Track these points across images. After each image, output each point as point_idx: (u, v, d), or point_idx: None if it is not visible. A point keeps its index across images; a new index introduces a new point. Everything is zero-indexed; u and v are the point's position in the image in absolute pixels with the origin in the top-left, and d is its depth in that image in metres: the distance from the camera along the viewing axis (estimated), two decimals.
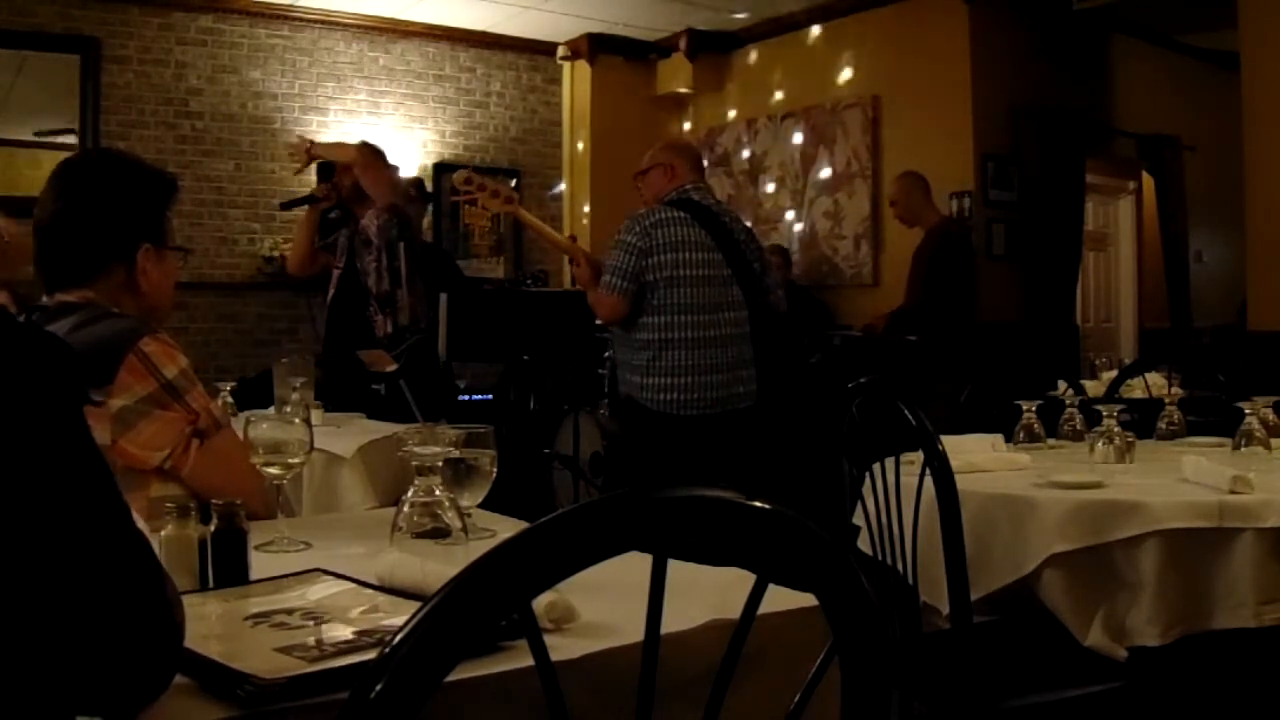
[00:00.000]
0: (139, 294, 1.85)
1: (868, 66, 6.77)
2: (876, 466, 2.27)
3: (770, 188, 7.39)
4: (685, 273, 3.54)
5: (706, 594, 1.14)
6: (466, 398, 4.78)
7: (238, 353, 6.54)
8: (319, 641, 1.09)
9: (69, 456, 0.82)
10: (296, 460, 1.65)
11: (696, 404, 3.55)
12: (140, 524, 1.24)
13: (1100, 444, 2.48)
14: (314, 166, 5.49)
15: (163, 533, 1.33)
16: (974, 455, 2.40)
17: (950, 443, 2.11)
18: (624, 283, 3.52)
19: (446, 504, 1.42)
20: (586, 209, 7.79)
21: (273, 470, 1.64)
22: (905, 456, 2.20)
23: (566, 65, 7.89)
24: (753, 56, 7.59)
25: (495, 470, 1.59)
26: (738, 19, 7.28)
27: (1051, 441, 2.81)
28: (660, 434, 3.56)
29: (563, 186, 8.00)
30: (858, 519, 2.40)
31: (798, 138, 7.21)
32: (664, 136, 7.95)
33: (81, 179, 1.84)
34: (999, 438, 2.57)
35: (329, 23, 7.00)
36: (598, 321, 4.00)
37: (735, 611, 0.83)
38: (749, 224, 3.96)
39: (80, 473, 0.82)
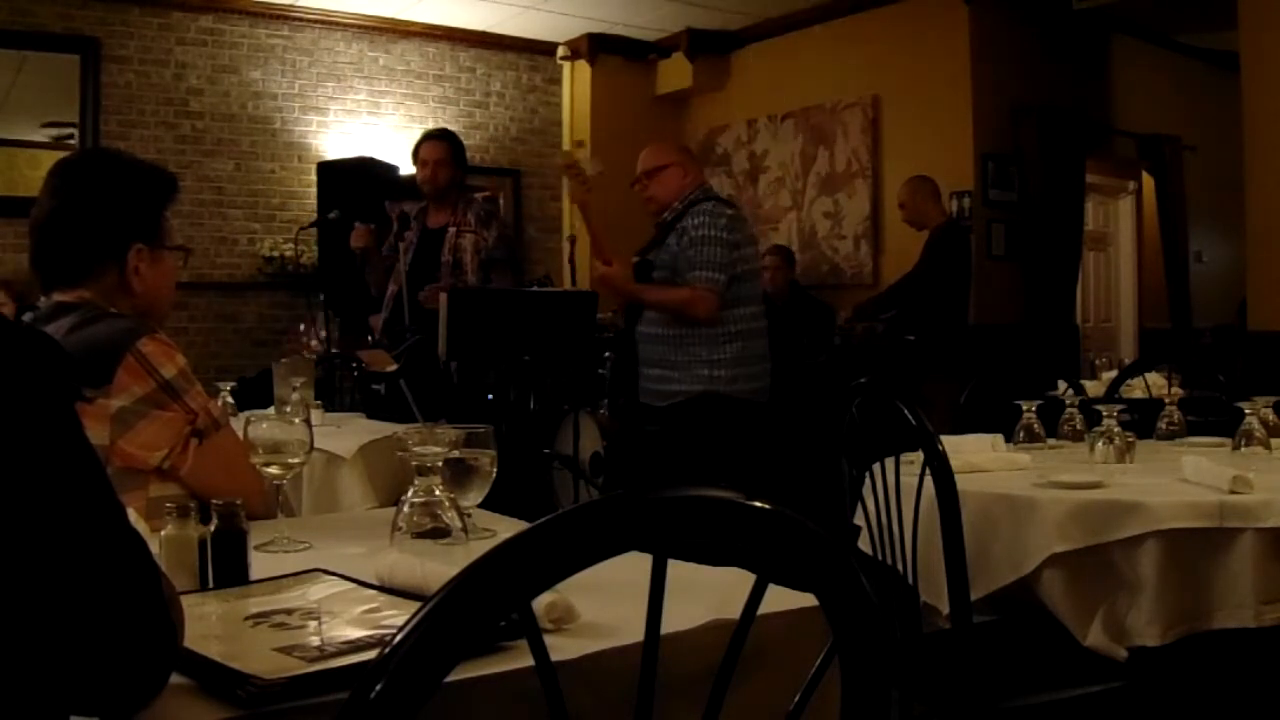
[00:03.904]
0: (133, 294, 1.84)
1: (868, 66, 6.78)
2: (876, 466, 2.27)
3: (770, 188, 7.39)
4: (755, 266, 3.75)
5: (706, 594, 1.14)
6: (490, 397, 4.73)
7: (238, 353, 6.54)
8: (319, 641, 1.09)
9: (61, 455, 0.82)
10: (296, 460, 1.65)
11: (767, 392, 3.67)
12: (139, 524, 1.25)
13: (1100, 444, 2.48)
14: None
15: (163, 533, 1.33)
16: (974, 455, 2.40)
17: (950, 443, 2.11)
18: (724, 277, 3.56)
19: (446, 504, 1.42)
20: None
21: (273, 470, 1.64)
22: (905, 456, 2.20)
23: (566, 65, 7.89)
24: (753, 56, 7.59)
25: (495, 470, 1.59)
26: (738, 19, 7.28)
27: (1051, 441, 2.81)
28: (746, 423, 3.57)
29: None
30: (858, 519, 2.40)
31: (798, 138, 7.21)
32: (664, 136, 7.96)
33: (76, 178, 1.83)
34: (999, 438, 2.57)
35: (329, 23, 7.00)
36: (614, 318, 3.91)
37: (735, 611, 0.83)
38: None
39: (73, 471, 0.82)
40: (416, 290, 4.44)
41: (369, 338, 4.83)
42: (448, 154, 4.56)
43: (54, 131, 6.24)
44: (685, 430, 3.58)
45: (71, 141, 6.22)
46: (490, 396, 4.60)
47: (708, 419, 3.57)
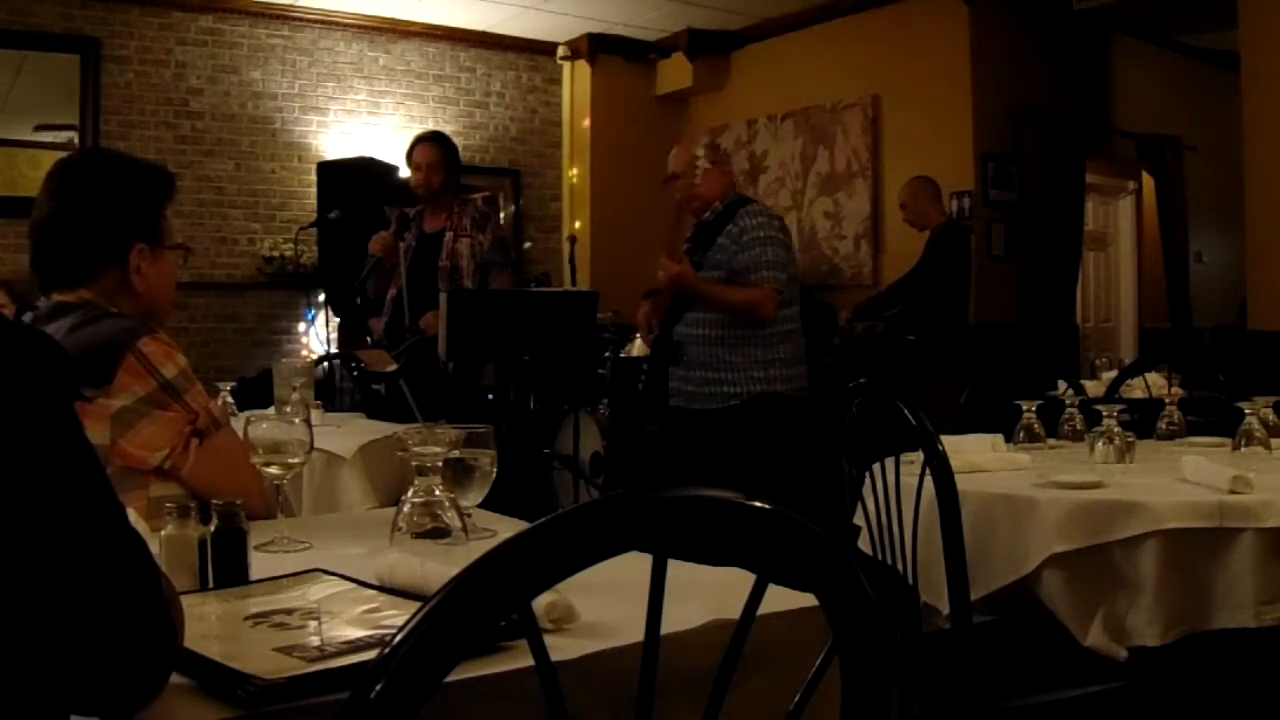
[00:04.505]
0: (135, 294, 1.84)
1: (868, 66, 6.78)
2: (876, 466, 2.26)
3: (770, 188, 7.39)
4: (797, 268, 3.83)
5: (706, 594, 1.14)
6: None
7: (238, 353, 6.54)
8: (319, 641, 1.09)
9: (61, 455, 0.82)
10: (296, 460, 1.65)
11: (806, 390, 3.71)
12: (139, 524, 1.25)
13: (1100, 444, 2.48)
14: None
15: (163, 533, 1.33)
16: (974, 455, 2.40)
17: (950, 443, 2.11)
18: (785, 277, 3.62)
19: (446, 504, 1.42)
20: (587, 209, 7.79)
21: (273, 470, 1.64)
22: (905, 456, 2.20)
23: (566, 65, 7.89)
24: (753, 56, 7.59)
25: (495, 470, 1.59)
26: (738, 19, 7.28)
27: (1051, 441, 2.81)
28: (801, 421, 3.58)
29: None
30: (858, 519, 2.40)
31: (798, 138, 7.21)
32: (665, 137, 7.96)
33: (73, 179, 1.83)
34: (999, 438, 2.57)
35: (329, 23, 7.00)
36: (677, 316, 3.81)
37: (735, 611, 0.83)
38: None
39: (73, 471, 0.82)
40: (416, 293, 4.45)
41: (368, 339, 4.83)
42: (440, 157, 4.54)
43: (54, 132, 6.24)
44: (748, 433, 3.52)
45: (72, 141, 6.22)
46: (489, 396, 4.61)
47: (769, 420, 3.54)
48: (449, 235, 4.50)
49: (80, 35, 6.26)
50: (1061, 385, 3.43)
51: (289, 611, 1.19)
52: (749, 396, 3.57)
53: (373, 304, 4.73)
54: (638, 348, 5.61)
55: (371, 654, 0.96)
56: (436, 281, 4.42)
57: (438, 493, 1.43)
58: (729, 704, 0.83)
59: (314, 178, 6.68)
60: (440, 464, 1.45)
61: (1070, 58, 6.68)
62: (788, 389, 3.59)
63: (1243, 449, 2.51)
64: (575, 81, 7.90)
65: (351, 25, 7.09)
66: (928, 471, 2.01)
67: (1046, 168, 6.42)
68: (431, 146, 4.57)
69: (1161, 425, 2.93)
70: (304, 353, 6.58)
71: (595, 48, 7.67)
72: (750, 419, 3.55)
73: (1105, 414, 2.53)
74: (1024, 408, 2.80)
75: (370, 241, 4.60)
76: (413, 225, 4.63)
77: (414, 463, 1.44)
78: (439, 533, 1.40)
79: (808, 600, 0.86)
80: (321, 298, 6.56)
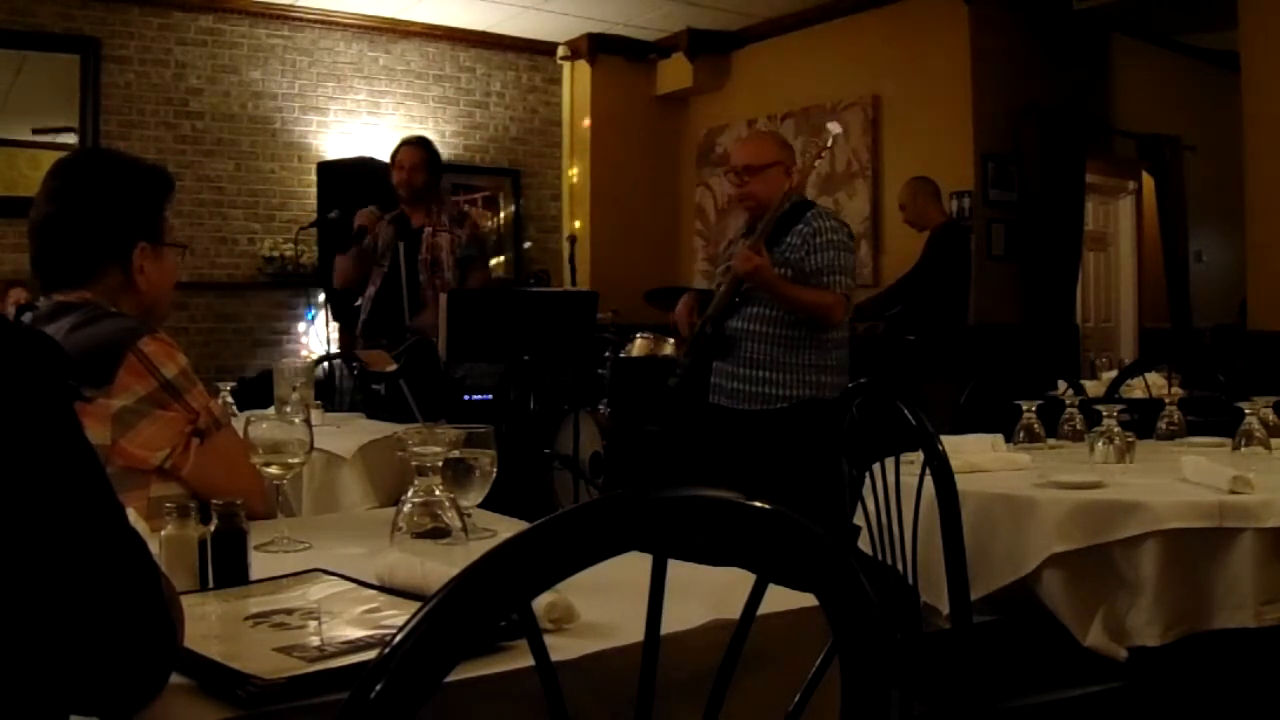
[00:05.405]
0: (137, 293, 1.84)
1: (868, 66, 6.78)
2: (876, 466, 2.26)
3: None
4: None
5: (706, 594, 1.14)
6: (468, 397, 4.80)
7: (238, 353, 6.54)
8: (319, 641, 1.09)
9: (61, 455, 0.82)
10: (296, 460, 1.65)
11: None
12: (139, 524, 1.25)
13: (1100, 444, 2.48)
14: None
15: (163, 533, 1.33)
16: (974, 455, 2.40)
17: (950, 443, 2.11)
18: (854, 284, 3.57)
19: (446, 504, 1.42)
20: (587, 209, 7.79)
21: (273, 470, 1.64)
22: (905, 456, 2.20)
23: (566, 65, 7.89)
24: (753, 56, 7.59)
25: (495, 470, 1.59)
26: (738, 19, 7.28)
27: (1051, 441, 2.81)
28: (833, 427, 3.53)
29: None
30: (858, 519, 2.40)
31: (798, 138, 7.20)
32: (664, 137, 7.97)
33: (74, 179, 1.83)
34: (999, 438, 2.57)
35: (329, 23, 7.00)
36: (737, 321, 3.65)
37: (735, 611, 0.83)
38: None
39: (72, 471, 0.82)
40: (408, 288, 4.58)
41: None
42: (422, 159, 4.75)
43: (54, 132, 6.24)
44: (790, 438, 3.42)
45: (72, 141, 6.22)
46: (467, 397, 4.67)
47: (813, 427, 3.39)
48: (428, 230, 4.69)
49: (80, 35, 6.26)
50: (1061, 385, 3.43)
51: (289, 611, 1.19)
52: (797, 401, 3.47)
53: (340, 292, 4.87)
54: (638, 347, 5.61)
55: (371, 654, 0.96)
56: (418, 274, 4.63)
57: (438, 493, 1.43)
58: (729, 704, 0.83)
59: (314, 178, 6.68)
60: (440, 464, 1.45)
61: (1070, 58, 6.68)
62: (834, 396, 3.48)
63: (1243, 449, 2.51)
64: (575, 81, 7.90)
65: (351, 25, 7.09)
66: (928, 471, 2.01)
67: (1046, 168, 6.42)
68: (414, 149, 4.80)
69: (1161, 425, 2.93)
70: (304, 353, 6.58)
71: (595, 48, 7.67)
72: (794, 424, 3.45)
73: (1105, 414, 2.53)
74: (1024, 408, 2.80)
75: (357, 216, 4.75)
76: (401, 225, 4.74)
77: (414, 463, 1.44)
78: (439, 533, 1.40)
79: (808, 600, 0.86)
80: (321, 297, 6.56)
